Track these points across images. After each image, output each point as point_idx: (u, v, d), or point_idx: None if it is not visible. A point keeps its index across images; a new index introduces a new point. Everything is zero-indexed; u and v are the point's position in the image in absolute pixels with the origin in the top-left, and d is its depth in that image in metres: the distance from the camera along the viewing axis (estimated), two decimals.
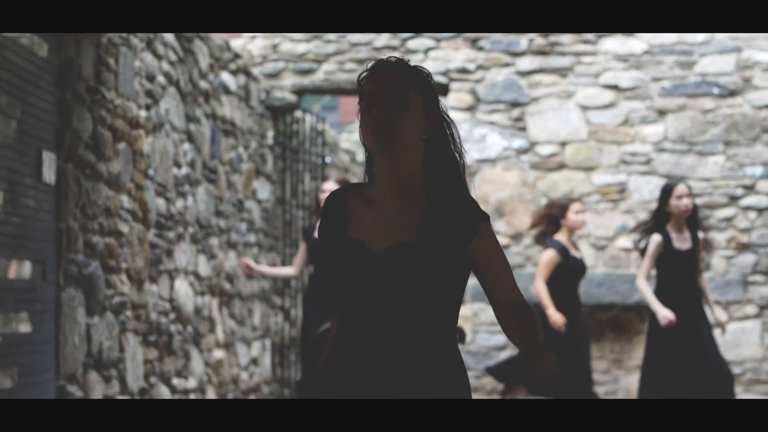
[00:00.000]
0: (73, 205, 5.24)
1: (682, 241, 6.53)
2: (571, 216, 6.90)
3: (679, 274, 6.52)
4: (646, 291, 6.51)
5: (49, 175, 5.04)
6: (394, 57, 2.42)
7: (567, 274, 6.86)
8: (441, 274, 2.35)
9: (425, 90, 2.39)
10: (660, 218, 6.57)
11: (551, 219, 7.03)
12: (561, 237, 6.93)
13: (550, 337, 6.51)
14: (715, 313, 6.67)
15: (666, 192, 6.57)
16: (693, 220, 6.58)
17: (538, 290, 6.76)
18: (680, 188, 6.52)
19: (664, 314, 6.31)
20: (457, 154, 2.44)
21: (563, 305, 6.77)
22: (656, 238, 6.52)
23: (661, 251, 6.51)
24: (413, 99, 2.36)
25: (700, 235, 6.61)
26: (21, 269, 4.80)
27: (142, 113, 6.13)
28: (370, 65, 2.41)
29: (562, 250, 6.84)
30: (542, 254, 6.98)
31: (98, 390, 5.51)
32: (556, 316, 6.61)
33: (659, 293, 6.53)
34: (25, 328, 4.84)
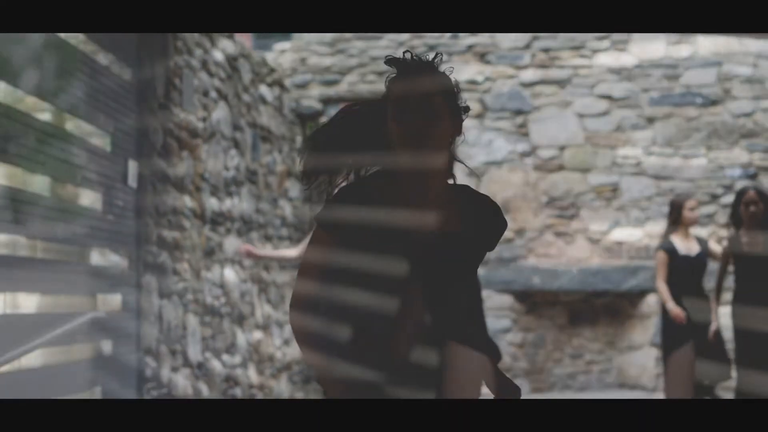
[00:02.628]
0: (149, 205, 6.16)
1: (752, 246, 6.63)
2: (687, 213, 6.85)
3: (747, 276, 6.58)
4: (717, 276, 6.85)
5: (132, 180, 5.96)
6: (426, 57, 2.37)
7: (680, 271, 6.86)
8: (475, 267, 2.40)
9: (452, 99, 2.37)
10: (736, 221, 6.72)
11: (672, 218, 6.95)
12: (676, 235, 6.94)
13: (679, 330, 6.68)
14: None
15: (737, 197, 6.64)
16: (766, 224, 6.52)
17: (658, 289, 6.95)
18: (748, 195, 6.54)
19: (673, 310, 6.59)
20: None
21: (687, 298, 6.81)
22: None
23: (726, 252, 6.70)
24: (443, 109, 2.33)
25: None
26: (114, 258, 5.74)
27: (200, 124, 7.00)
28: (400, 64, 2.36)
29: (668, 250, 6.87)
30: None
31: (167, 362, 6.40)
32: (675, 311, 6.62)
33: (735, 292, 6.71)
34: (117, 307, 5.76)
